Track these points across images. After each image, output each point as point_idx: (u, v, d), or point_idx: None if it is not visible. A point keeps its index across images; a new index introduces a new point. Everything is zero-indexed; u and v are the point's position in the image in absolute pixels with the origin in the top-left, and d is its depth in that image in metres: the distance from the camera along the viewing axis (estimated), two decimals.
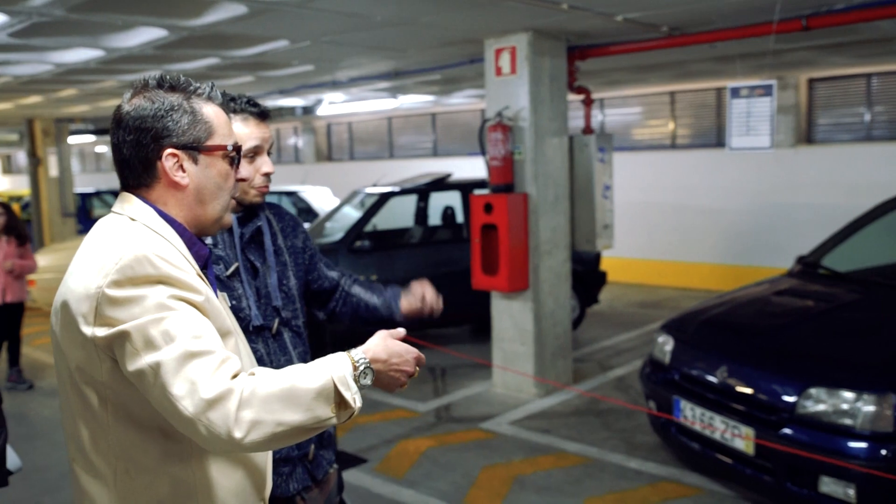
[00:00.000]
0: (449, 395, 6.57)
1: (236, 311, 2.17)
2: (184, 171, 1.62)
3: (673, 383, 4.62)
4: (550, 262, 6.46)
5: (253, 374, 1.46)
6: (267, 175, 2.25)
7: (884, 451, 3.54)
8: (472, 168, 10.74)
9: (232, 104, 2.20)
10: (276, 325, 2.27)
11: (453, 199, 8.73)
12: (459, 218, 8.57)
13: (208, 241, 2.24)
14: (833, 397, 3.75)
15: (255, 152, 2.22)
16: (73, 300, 1.50)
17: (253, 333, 2.22)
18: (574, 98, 7.05)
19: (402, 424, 5.84)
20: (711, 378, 4.35)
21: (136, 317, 1.43)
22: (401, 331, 1.69)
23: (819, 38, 6.88)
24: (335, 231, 8.26)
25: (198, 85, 1.67)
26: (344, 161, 16.97)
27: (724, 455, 4.23)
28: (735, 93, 5.53)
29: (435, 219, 8.91)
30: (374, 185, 8.85)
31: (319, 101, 11.99)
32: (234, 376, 1.43)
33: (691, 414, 4.36)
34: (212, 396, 1.38)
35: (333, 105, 12.29)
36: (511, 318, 6.47)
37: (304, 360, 2.31)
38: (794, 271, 5.41)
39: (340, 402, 1.48)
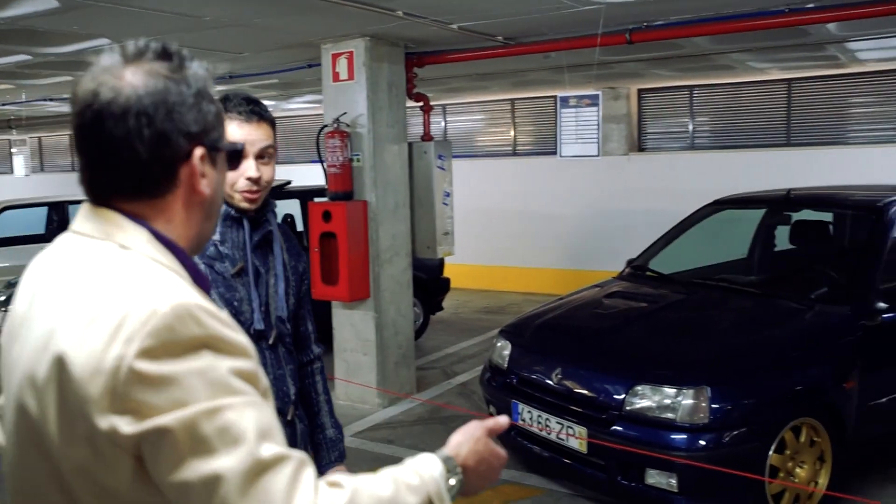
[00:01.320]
0: None
1: (236, 314, 2.12)
2: (204, 175, 1.25)
3: (511, 387, 4.81)
4: (391, 270, 6.55)
5: (337, 485, 1.13)
6: (251, 180, 2.13)
7: (701, 441, 3.86)
8: (313, 175, 10.70)
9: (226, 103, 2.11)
10: (273, 335, 2.21)
11: (293, 207, 8.66)
12: (300, 226, 8.52)
13: (215, 236, 2.14)
14: (657, 393, 4.04)
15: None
16: (74, 371, 1.05)
17: (252, 339, 2.16)
18: (415, 105, 7.19)
19: None
20: (547, 381, 4.56)
21: (179, 403, 1.03)
22: (500, 424, 1.43)
23: (644, 52, 7.37)
24: None
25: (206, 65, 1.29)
26: None
27: (561, 455, 4.45)
28: (564, 102, 5.84)
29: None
30: None
31: None
32: (314, 492, 1.09)
33: (529, 417, 4.56)
34: None
35: None
36: (353, 329, 6.51)
37: (295, 378, 2.28)
38: (623, 274, 5.77)
39: None
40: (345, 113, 6.30)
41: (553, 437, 4.39)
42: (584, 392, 4.38)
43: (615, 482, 4.15)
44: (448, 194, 6.98)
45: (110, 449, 1.05)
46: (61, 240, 1.25)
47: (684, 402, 3.94)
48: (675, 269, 5.71)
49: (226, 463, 1.03)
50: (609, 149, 10.72)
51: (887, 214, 4.94)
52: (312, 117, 13.86)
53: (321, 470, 2.29)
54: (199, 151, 1.21)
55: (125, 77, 1.16)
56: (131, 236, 1.18)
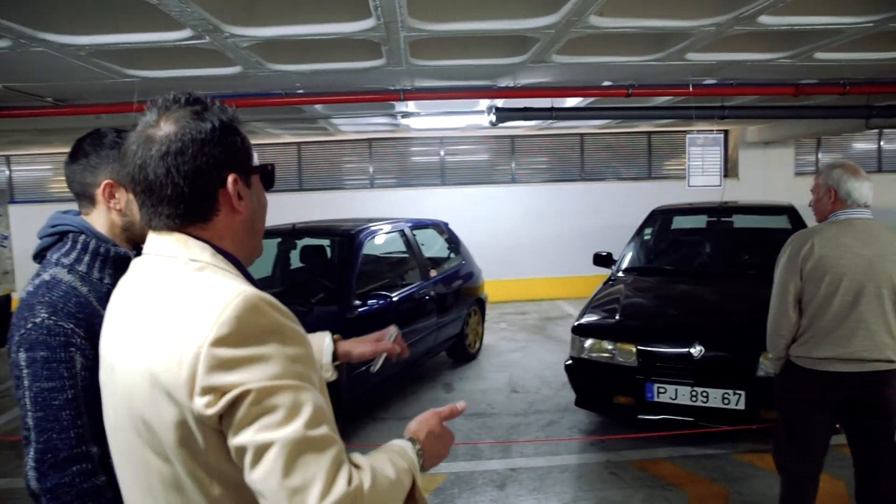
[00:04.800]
0: None
1: None
2: (241, 197, 1.10)
3: None
4: None
5: (359, 466, 1.01)
6: None
7: None
8: None
9: None
10: None
11: None
12: None
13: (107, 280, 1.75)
14: None
15: None
16: (162, 364, 0.95)
17: None
18: None
19: None
20: None
21: (252, 381, 0.93)
22: (457, 409, 1.29)
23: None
24: None
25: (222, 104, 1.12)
26: None
27: None
28: None
29: None
30: None
31: None
32: (349, 477, 0.96)
33: None
34: None
35: None
36: None
37: None
38: None
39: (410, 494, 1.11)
40: None
41: None
42: None
43: None
44: (6, 237, 5.76)
45: (199, 426, 0.95)
46: (140, 260, 1.11)
47: None
48: None
49: (282, 434, 0.92)
50: None
51: (358, 239, 5.28)
52: None
53: None
54: (232, 177, 1.08)
55: (160, 127, 1.06)
56: (199, 252, 1.07)
